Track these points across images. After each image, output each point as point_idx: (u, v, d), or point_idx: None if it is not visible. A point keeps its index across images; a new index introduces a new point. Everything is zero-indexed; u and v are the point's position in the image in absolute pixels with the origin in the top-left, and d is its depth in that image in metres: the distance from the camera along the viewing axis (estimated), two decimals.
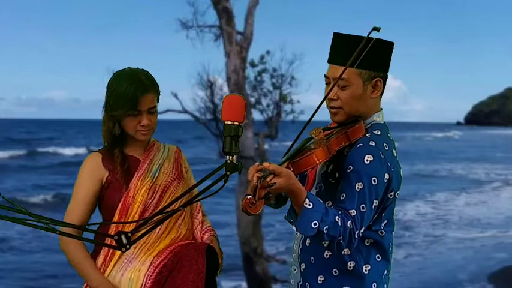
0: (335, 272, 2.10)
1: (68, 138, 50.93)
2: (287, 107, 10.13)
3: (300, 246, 2.20)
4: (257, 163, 1.86)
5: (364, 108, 2.11)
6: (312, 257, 2.14)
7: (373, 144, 2.02)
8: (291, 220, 2.05)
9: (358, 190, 1.97)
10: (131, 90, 2.22)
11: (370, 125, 2.12)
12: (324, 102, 2.11)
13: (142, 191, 2.31)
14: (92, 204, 2.34)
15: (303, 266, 2.18)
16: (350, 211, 1.95)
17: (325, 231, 1.88)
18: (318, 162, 1.94)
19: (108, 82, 2.31)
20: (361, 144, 2.01)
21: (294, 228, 1.90)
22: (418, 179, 24.32)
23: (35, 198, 18.99)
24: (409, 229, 14.94)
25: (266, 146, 9.88)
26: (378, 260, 2.12)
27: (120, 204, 2.30)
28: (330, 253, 2.09)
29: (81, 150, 35.39)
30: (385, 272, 2.16)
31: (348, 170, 1.99)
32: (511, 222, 15.90)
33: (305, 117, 2.08)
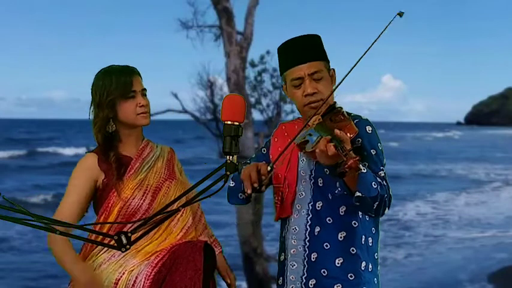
0: (352, 250, 2.20)
1: (68, 138, 50.89)
2: (287, 107, 10.14)
3: (306, 238, 2.23)
4: (327, 137, 1.97)
5: (331, 97, 2.26)
6: (326, 243, 2.20)
7: (365, 118, 2.23)
8: (345, 192, 2.11)
9: (374, 155, 2.17)
10: (122, 75, 2.31)
11: None
12: (298, 104, 2.24)
13: (127, 189, 2.31)
14: (84, 206, 2.34)
15: (314, 255, 2.21)
16: (379, 173, 2.15)
17: (380, 191, 2.06)
18: (350, 136, 2.04)
19: (95, 80, 2.35)
20: (358, 120, 2.20)
21: (358, 194, 2.03)
22: (418, 179, 24.35)
23: (35, 198, 18.99)
24: (409, 229, 14.94)
25: None
26: (374, 232, 2.27)
27: (105, 202, 2.31)
28: (344, 234, 2.19)
29: (81, 150, 35.29)
30: (379, 243, 2.32)
31: (358, 143, 2.16)
32: (511, 222, 15.91)
33: None
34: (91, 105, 2.36)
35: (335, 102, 2.24)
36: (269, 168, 2.12)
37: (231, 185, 2.34)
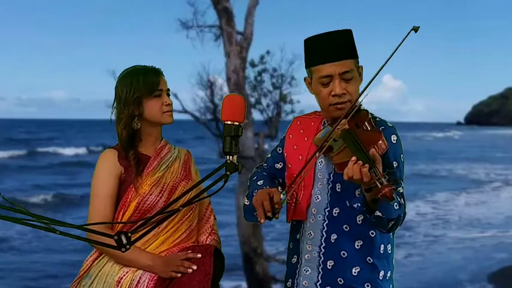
0: (369, 260, 2.16)
1: (68, 138, 50.87)
2: (287, 107, 10.17)
3: (321, 244, 2.17)
4: (355, 158, 1.89)
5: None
6: (343, 252, 2.15)
7: (391, 125, 2.16)
8: (364, 208, 2.04)
9: (396, 167, 2.11)
10: (149, 74, 2.35)
11: None
12: (322, 102, 2.16)
13: (145, 185, 2.32)
14: (115, 200, 2.34)
15: (330, 263, 2.16)
16: (399, 189, 2.07)
17: (399, 211, 2.02)
18: (383, 148, 1.98)
19: (120, 79, 2.37)
20: (383, 127, 2.13)
21: (378, 214, 1.97)
22: (418, 179, 24.31)
23: (35, 198, 18.99)
24: (409, 229, 14.93)
25: (266, 146, 9.88)
26: (391, 237, 2.23)
27: (123, 197, 2.31)
28: (360, 243, 2.15)
29: (81, 150, 35.37)
30: (394, 245, 2.29)
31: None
32: (511, 222, 15.92)
33: None
34: (114, 102, 2.39)
35: (361, 104, 2.13)
36: (282, 196, 2.05)
37: (246, 203, 2.24)
